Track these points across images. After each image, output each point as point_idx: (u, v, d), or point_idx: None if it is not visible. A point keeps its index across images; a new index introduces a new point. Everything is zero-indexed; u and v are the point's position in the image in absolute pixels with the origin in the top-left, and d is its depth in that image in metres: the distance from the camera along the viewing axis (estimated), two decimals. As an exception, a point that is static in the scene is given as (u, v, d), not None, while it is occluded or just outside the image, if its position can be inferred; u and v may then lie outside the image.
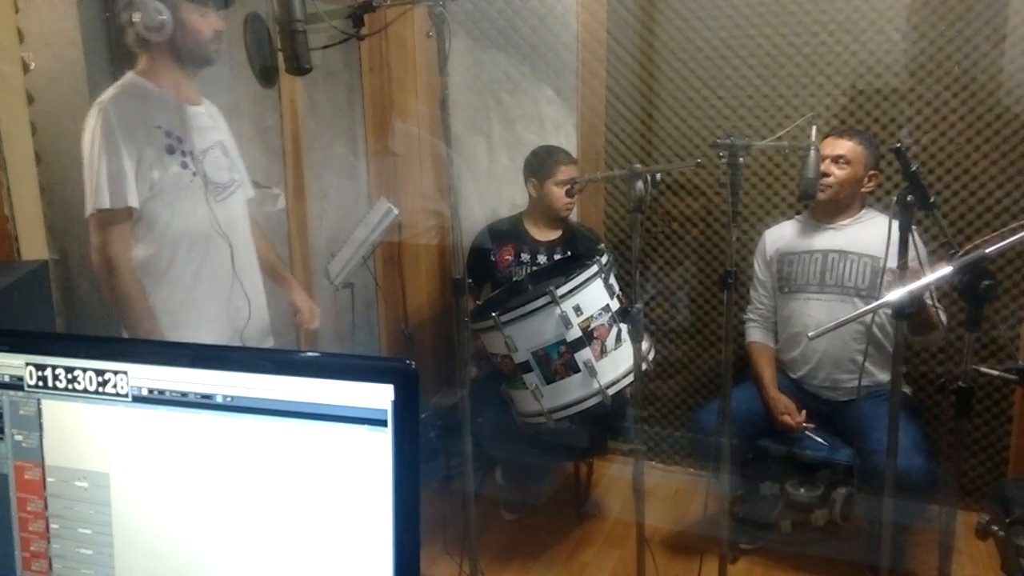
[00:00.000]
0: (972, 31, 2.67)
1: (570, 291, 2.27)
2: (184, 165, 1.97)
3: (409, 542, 0.82)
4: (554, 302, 2.25)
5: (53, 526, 0.95)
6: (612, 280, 2.38)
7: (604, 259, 2.36)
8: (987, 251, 1.69)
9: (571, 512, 3.06)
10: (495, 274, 3.04)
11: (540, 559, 2.79)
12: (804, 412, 2.61)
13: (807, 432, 2.59)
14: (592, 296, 2.30)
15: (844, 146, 2.55)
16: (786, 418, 2.58)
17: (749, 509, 2.71)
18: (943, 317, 2.43)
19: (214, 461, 0.88)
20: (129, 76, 1.94)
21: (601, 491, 3.22)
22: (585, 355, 2.28)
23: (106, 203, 1.83)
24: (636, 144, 3.20)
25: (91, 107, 1.87)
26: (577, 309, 2.28)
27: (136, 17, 1.82)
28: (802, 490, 2.61)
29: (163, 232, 1.96)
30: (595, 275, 2.31)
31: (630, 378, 2.31)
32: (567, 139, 3.27)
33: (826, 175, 2.55)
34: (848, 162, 2.55)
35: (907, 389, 2.73)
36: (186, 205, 1.98)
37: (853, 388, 2.57)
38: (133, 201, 1.87)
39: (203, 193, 2.00)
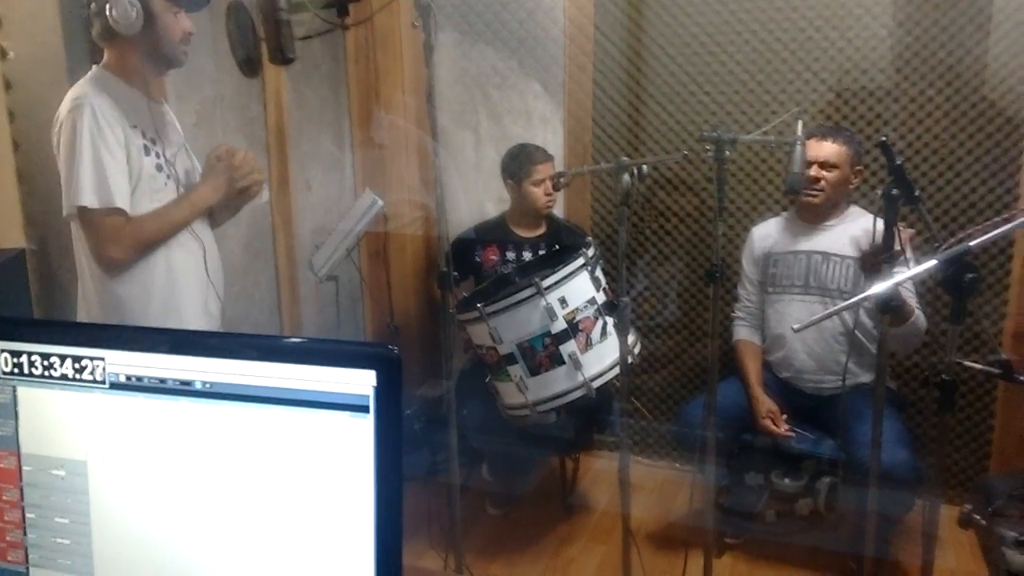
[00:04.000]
0: (956, 27, 2.68)
1: (556, 283, 2.26)
2: (159, 167, 1.90)
3: (391, 529, 0.81)
4: (539, 293, 2.24)
5: (29, 516, 0.93)
6: (599, 273, 2.37)
7: (591, 252, 2.35)
8: (971, 244, 1.70)
9: (557, 507, 3.05)
10: (481, 273, 3.03)
11: (526, 554, 2.79)
12: (785, 417, 2.61)
13: (790, 433, 2.60)
14: (578, 288, 2.29)
15: (830, 149, 2.53)
16: (768, 423, 2.58)
17: (734, 499, 2.72)
18: (921, 314, 2.44)
19: (193, 448, 0.86)
20: (98, 71, 1.86)
21: (587, 486, 3.21)
22: (570, 347, 2.28)
23: (93, 201, 1.76)
24: (623, 139, 3.20)
25: (65, 100, 1.80)
26: (563, 301, 2.27)
27: (107, 7, 1.73)
28: (786, 480, 2.61)
29: None
30: (581, 267, 2.30)
31: (615, 371, 2.31)
32: (554, 134, 3.27)
33: (816, 180, 2.53)
34: (835, 166, 2.54)
35: (891, 384, 2.75)
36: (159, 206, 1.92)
37: (838, 386, 2.58)
38: (122, 201, 1.80)
39: (176, 195, 1.95)
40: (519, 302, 2.28)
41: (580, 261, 2.31)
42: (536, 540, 2.86)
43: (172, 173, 1.95)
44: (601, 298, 2.33)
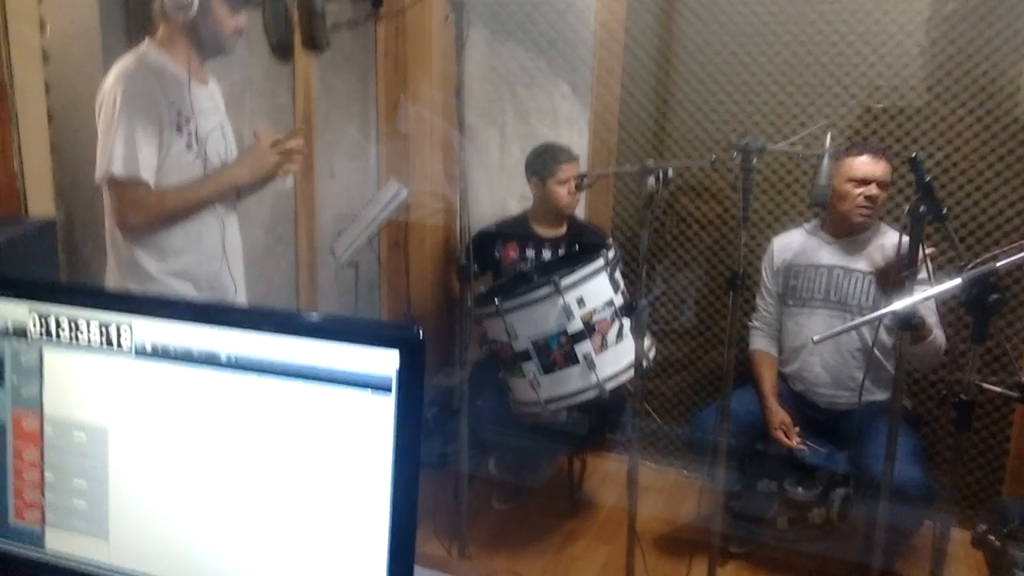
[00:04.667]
0: (991, 48, 2.66)
1: (574, 283, 2.26)
2: (188, 145, 1.95)
3: (406, 508, 0.81)
4: (557, 292, 2.25)
5: (48, 476, 0.94)
6: (618, 275, 2.37)
7: (611, 253, 2.35)
8: (997, 265, 1.69)
9: (563, 505, 3.05)
10: (499, 269, 3.03)
11: (530, 549, 2.79)
12: (799, 429, 2.59)
13: (802, 446, 2.58)
14: (596, 289, 2.30)
15: (883, 168, 2.51)
16: (780, 434, 2.57)
17: (745, 505, 2.70)
18: (941, 333, 2.42)
19: (215, 419, 0.87)
20: (147, 45, 1.92)
21: (593, 487, 3.21)
22: (585, 348, 2.28)
23: (120, 170, 1.81)
24: (649, 143, 3.20)
25: (111, 72, 1.85)
26: (580, 301, 2.27)
27: None
28: (800, 489, 2.59)
29: None
30: (600, 268, 2.30)
31: (629, 374, 2.30)
32: (580, 135, 3.27)
33: (870, 199, 2.51)
34: (885, 185, 2.53)
35: (907, 402, 2.72)
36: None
37: (852, 402, 2.56)
38: (147, 173, 1.85)
39: (202, 174, 1.99)
40: (537, 300, 2.28)
41: (600, 262, 2.31)
42: (540, 536, 2.86)
43: (201, 153, 1.98)
44: (619, 300, 2.33)
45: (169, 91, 1.90)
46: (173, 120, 1.90)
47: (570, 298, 2.26)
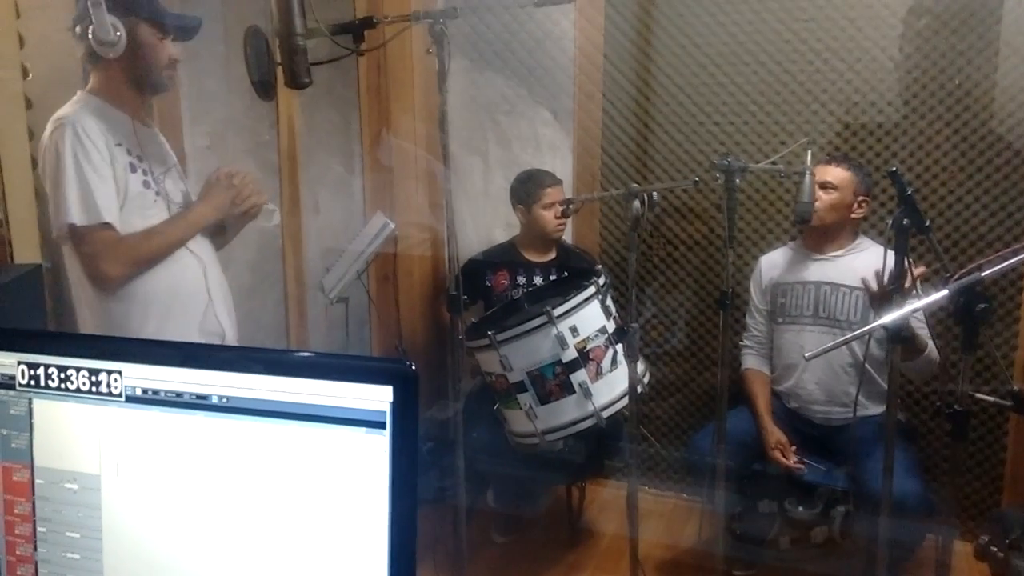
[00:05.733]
0: (964, 61, 2.70)
1: (567, 311, 2.26)
2: (147, 184, 1.88)
3: (405, 546, 0.80)
4: (551, 322, 2.24)
5: (40, 529, 0.93)
6: (609, 302, 2.37)
7: (601, 280, 2.35)
8: (983, 274, 1.70)
9: (563, 535, 3.02)
10: (491, 297, 3.03)
11: (531, 582, 2.76)
12: (795, 447, 2.58)
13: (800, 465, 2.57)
14: (589, 317, 2.29)
15: (831, 172, 2.55)
16: (777, 454, 2.56)
17: (747, 527, 2.68)
18: (934, 346, 2.43)
19: (208, 463, 0.86)
20: (82, 95, 1.85)
21: (593, 515, 3.18)
22: (581, 376, 2.27)
23: (80, 218, 1.73)
24: (632, 167, 3.22)
25: (48, 125, 1.77)
26: (574, 330, 2.26)
27: (90, 31, 1.72)
28: (800, 508, 2.58)
29: None
30: (592, 296, 2.30)
31: (625, 401, 2.29)
32: (563, 161, 3.28)
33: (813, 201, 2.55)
34: (835, 188, 2.55)
35: (901, 416, 2.72)
36: (153, 224, 1.89)
37: (847, 417, 2.56)
38: (110, 217, 1.77)
39: (167, 213, 1.92)
40: (530, 330, 2.27)
41: (591, 290, 2.30)
42: (542, 568, 2.82)
43: (162, 191, 1.92)
44: (611, 327, 2.33)
45: (115, 132, 1.82)
46: (124, 160, 1.83)
47: (563, 327, 2.25)
